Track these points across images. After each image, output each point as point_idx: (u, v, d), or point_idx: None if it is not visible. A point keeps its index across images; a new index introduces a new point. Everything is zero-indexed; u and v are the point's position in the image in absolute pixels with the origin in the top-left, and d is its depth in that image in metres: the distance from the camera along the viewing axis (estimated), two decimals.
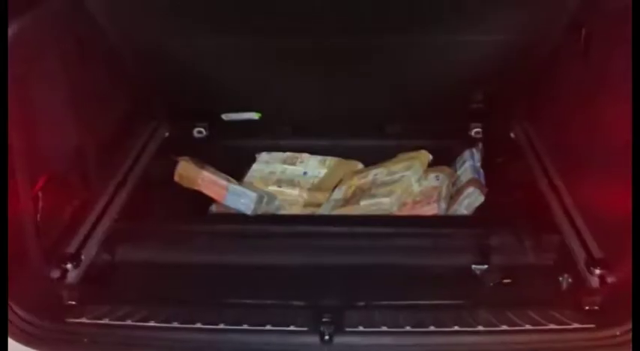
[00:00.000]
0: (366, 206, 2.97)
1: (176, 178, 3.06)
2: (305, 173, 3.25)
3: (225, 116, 3.31)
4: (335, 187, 3.17)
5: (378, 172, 3.15)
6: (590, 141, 2.62)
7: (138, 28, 2.77)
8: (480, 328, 2.12)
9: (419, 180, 3.06)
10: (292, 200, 3.12)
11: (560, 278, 2.40)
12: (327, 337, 2.07)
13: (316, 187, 3.19)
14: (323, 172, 3.26)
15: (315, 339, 2.08)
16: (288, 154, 3.33)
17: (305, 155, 3.33)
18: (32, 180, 2.34)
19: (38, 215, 2.37)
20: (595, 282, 2.35)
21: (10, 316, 2.10)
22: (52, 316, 2.18)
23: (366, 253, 2.60)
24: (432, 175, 3.08)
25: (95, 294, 2.35)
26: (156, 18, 2.71)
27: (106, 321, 2.18)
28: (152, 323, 2.16)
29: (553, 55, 2.87)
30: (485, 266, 2.48)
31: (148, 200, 2.97)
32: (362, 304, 2.26)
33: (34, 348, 2.09)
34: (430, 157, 3.18)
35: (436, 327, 2.13)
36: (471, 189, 2.91)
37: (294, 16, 2.65)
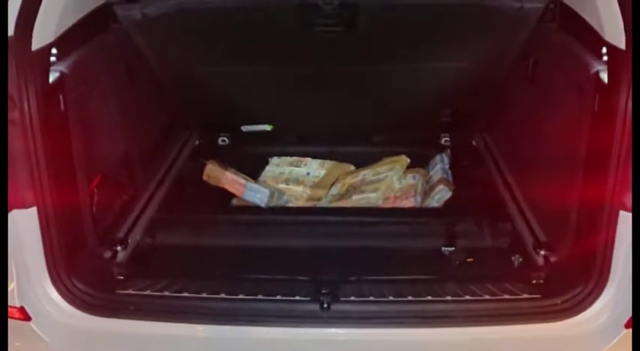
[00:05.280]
0: (356, 200, 2.96)
1: (204, 178, 3.05)
2: (308, 173, 3.24)
3: (243, 128, 3.30)
4: (332, 185, 3.16)
5: (367, 173, 3.13)
6: (536, 147, 2.61)
7: (175, 58, 2.76)
8: (448, 297, 2.11)
9: (399, 179, 3.05)
10: (297, 195, 3.11)
11: (513, 258, 2.39)
12: (325, 305, 2.06)
13: (317, 185, 3.18)
14: (322, 172, 3.25)
15: (315, 307, 2.07)
16: (294, 158, 3.32)
17: (308, 159, 3.31)
18: (89, 179, 2.33)
19: (94, 207, 2.37)
20: (540, 261, 2.34)
21: (72, 288, 2.10)
22: (105, 288, 2.17)
23: (357, 237, 2.59)
24: (409, 175, 3.07)
25: (139, 270, 2.34)
26: (189, 50, 2.71)
27: (148, 292, 2.17)
28: (185, 294, 2.15)
29: (506, 79, 2.86)
30: (453, 248, 2.46)
31: (182, 195, 2.95)
32: (354, 278, 2.24)
33: (90, 314, 2.10)
34: (408, 160, 3.17)
35: (413, 297, 2.12)
36: (441, 186, 2.90)
37: (299, 50, 2.65)
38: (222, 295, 2.14)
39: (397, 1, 2.39)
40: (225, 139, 3.40)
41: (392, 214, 2.81)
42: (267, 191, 2.94)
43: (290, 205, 3.03)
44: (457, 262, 2.42)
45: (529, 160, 2.69)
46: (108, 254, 2.40)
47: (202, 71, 2.82)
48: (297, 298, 2.12)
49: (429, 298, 2.11)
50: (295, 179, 3.19)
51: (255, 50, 2.67)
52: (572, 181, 2.19)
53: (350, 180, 3.13)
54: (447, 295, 2.12)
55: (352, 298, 2.12)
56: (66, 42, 2.16)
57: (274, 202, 2.95)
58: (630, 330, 1.98)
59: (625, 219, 1.93)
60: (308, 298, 2.11)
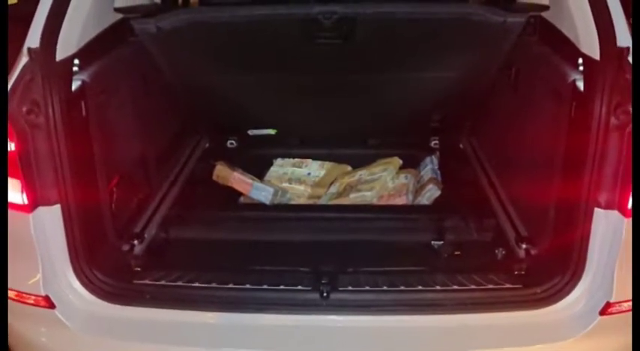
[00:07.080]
0: (353, 198, 2.97)
1: (214, 178, 3.06)
2: (309, 174, 3.25)
3: (250, 132, 3.30)
4: (331, 184, 3.17)
5: (363, 173, 3.14)
6: (517, 150, 2.62)
7: (187, 68, 2.77)
8: (438, 287, 2.12)
9: (392, 179, 3.06)
10: (299, 194, 3.12)
11: (496, 251, 2.39)
12: (325, 294, 2.07)
13: (317, 184, 3.18)
14: (322, 173, 3.25)
15: (316, 296, 2.08)
16: (296, 159, 3.32)
17: (309, 160, 3.31)
18: (108, 179, 2.34)
19: (113, 205, 2.37)
20: (522, 254, 2.34)
21: (93, 279, 2.11)
22: (123, 279, 2.18)
23: (354, 232, 2.59)
24: (402, 175, 3.08)
25: (154, 262, 2.35)
26: (200, 60, 2.71)
27: (162, 282, 2.17)
28: (196, 284, 2.16)
29: (491, 87, 2.87)
30: (441, 242, 2.47)
31: (193, 194, 2.96)
32: (351, 270, 2.24)
33: (109, 302, 2.11)
34: (401, 162, 3.18)
35: (405, 287, 2.13)
36: (430, 185, 2.91)
37: (301, 60, 2.65)
38: (231, 285, 2.15)
39: (392, 16, 2.40)
40: (233, 142, 3.40)
41: (386, 210, 2.82)
42: (271, 190, 2.95)
43: (292, 202, 3.04)
44: (445, 255, 2.43)
45: (512, 161, 2.70)
46: (126, 247, 2.40)
47: (212, 80, 2.82)
48: (299, 287, 2.13)
49: (420, 287, 2.12)
50: (297, 179, 3.20)
51: (261, 61, 2.68)
52: (551, 180, 2.19)
53: (347, 179, 3.13)
54: (437, 285, 2.13)
55: (349, 287, 2.12)
56: (87, 53, 2.17)
57: (278, 200, 2.96)
58: (605, 317, 1.99)
59: (599, 215, 1.95)
60: (309, 288, 2.11)
